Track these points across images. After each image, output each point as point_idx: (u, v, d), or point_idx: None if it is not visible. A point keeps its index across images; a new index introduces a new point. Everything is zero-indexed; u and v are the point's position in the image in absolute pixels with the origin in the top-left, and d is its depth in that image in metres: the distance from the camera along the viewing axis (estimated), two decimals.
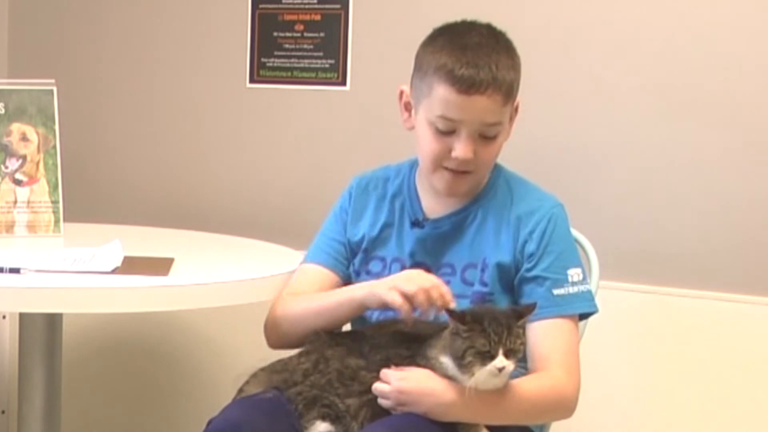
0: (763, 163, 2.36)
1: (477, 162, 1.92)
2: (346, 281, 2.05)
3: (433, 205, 2.01)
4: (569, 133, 2.51)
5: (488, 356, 1.71)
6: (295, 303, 1.99)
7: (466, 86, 1.86)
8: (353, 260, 2.05)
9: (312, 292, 2.02)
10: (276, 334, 2.01)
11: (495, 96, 1.87)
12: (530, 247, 1.92)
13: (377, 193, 2.06)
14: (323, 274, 2.05)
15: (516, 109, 1.97)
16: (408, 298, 1.81)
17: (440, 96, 1.88)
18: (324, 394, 1.82)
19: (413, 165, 2.06)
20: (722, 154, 2.39)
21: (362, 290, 1.91)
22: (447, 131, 1.90)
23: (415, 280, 1.83)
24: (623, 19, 2.45)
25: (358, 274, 2.04)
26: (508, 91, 1.90)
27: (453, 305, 1.80)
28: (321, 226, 2.11)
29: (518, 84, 1.93)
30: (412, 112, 1.98)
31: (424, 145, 1.94)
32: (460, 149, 1.89)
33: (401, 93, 2.00)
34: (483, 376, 1.72)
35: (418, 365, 1.80)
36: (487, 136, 1.91)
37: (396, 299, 1.81)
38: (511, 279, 1.93)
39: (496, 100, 1.88)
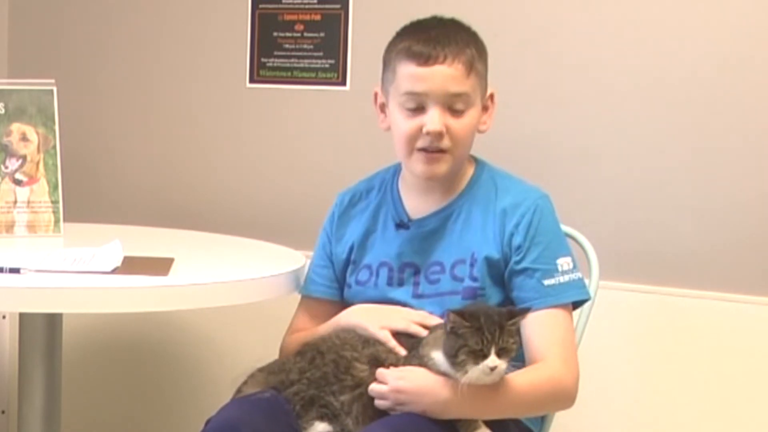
0: (762, 163, 2.36)
1: (451, 138, 1.92)
2: (344, 303, 2.07)
3: (417, 204, 2.02)
4: (569, 132, 2.51)
5: (481, 355, 1.71)
6: (298, 341, 2.02)
7: (424, 58, 1.90)
8: (345, 275, 2.06)
9: (306, 325, 2.06)
10: None
11: (455, 65, 1.90)
12: (517, 240, 1.92)
13: (360, 206, 2.08)
14: (319, 306, 2.09)
15: (491, 99, 1.99)
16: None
17: (403, 74, 1.92)
18: (320, 393, 1.83)
19: (397, 169, 2.07)
20: (722, 154, 2.39)
21: (353, 318, 1.96)
22: (416, 108, 1.92)
23: (401, 313, 1.91)
24: (624, 18, 2.45)
25: (349, 286, 2.05)
26: (469, 62, 1.92)
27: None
28: (319, 229, 2.13)
29: (484, 64, 1.96)
30: (387, 111, 2.00)
31: (397, 130, 1.96)
32: (430, 121, 1.90)
33: (375, 95, 2.03)
34: (475, 374, 1.72)
35: (411, 364, 1.80)
36: (455, 109, 1.92)
37: (386, 337, 1.88)
38: (501, 272, 1.94)
39: (457, 68, 1.90)
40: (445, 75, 1.90)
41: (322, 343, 1.90)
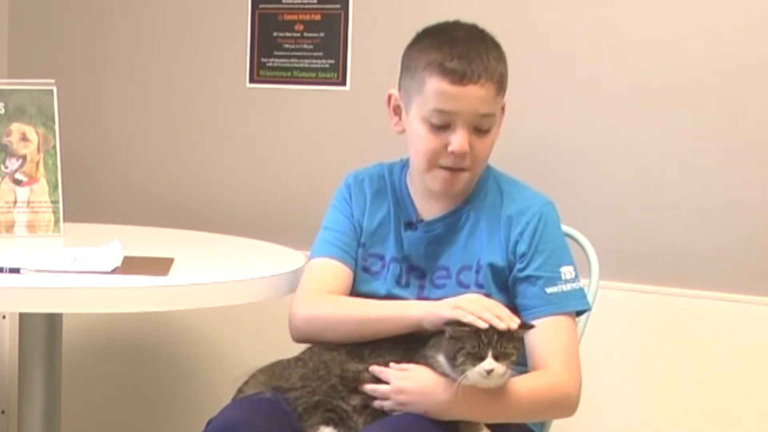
0: (762, 163, 2.36)
1: (473, 157, 1.91)
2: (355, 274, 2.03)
3: (425, 207, 2.00)
4: (569, 133, 2.51)
5: (478, 357, 1.71)
6: (335, 305, 1.94)
7: (459, 77, 1.86)
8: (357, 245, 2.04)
9: (334, 286, 1.98)
10: (307, 332, 1.94)
11: (488, 85, 1.87)
12: (521, 247, 1.92)
13: (373, 188, 2.05)
14: (338, 267, 2.01)
15: (502, 110, 1.96)
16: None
17: (433, 89, 1.88)
18: (327, 399, 1.82)
19: (404, 166, 2.05)
20: (722, 154, 2.39)
21: (419, 309, 1.85)
22: (442, 125, 1.89)
23: (478, 302, 1.78)
24: (623, 20, 2.45)
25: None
26: (500, 81, 1.90)
27: (516, 324, 1.75)
28: (321, 225, 2.10)
29: (507, 78, 1.93)
30: (402, 114, 1.97)
31: (419, 143, 1.92)
32: (457, 142, 1.88)
33: (389, 97, 2.00)
34: (473, 376, 1.72)
35: (417, 363, 1.80)
36: (481, 129, 1.90)
37: (462, 315, 1.75)
38: (505, 279, 1.93)
39: (489, 89, 1.88)
40: (477, 96, 1.87)
41: (326, 352, 1.88)
